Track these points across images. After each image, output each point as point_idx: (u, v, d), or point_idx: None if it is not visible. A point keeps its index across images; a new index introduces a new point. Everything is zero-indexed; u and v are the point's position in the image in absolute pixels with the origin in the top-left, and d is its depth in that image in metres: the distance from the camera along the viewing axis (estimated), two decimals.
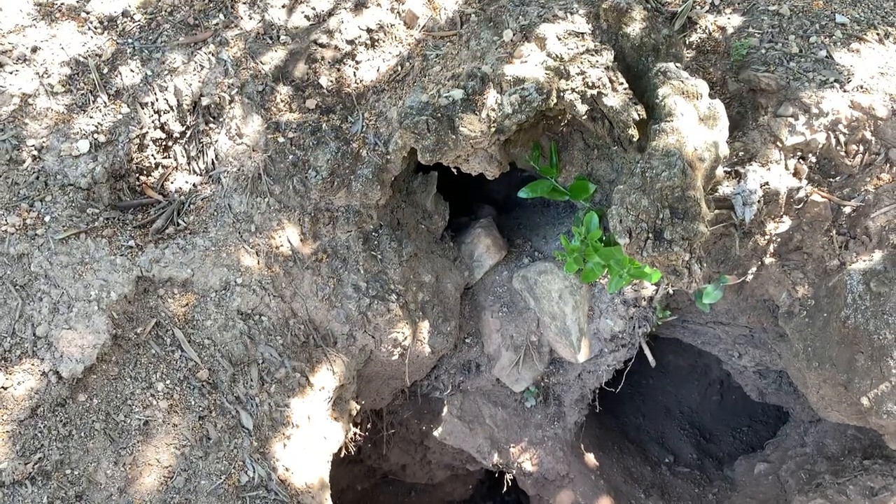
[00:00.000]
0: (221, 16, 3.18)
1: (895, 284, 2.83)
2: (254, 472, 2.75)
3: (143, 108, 2.99)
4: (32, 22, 3.05)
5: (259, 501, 2.73)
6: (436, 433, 3.75)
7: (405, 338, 3.29)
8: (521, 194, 3.39)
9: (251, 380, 2.87)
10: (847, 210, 3.08)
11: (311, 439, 3.02)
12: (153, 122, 3.02)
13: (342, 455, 4.17)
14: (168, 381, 2.71)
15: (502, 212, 4.30)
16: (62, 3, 3.11)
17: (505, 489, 4.01)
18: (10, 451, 2.44)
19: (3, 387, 2.49)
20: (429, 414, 3.88)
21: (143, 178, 3.11)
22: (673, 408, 4.84)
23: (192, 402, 2.71)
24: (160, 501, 2.55)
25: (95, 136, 2.87)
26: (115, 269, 2.78)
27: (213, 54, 3.09)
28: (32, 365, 2.54)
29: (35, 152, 2.80)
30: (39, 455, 2.47)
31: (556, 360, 3.78)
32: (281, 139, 3.04)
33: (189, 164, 3.12)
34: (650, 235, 2.52)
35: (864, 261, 2.95)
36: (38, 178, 2.76)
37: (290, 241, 3.06)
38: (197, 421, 2.70)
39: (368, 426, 3.88)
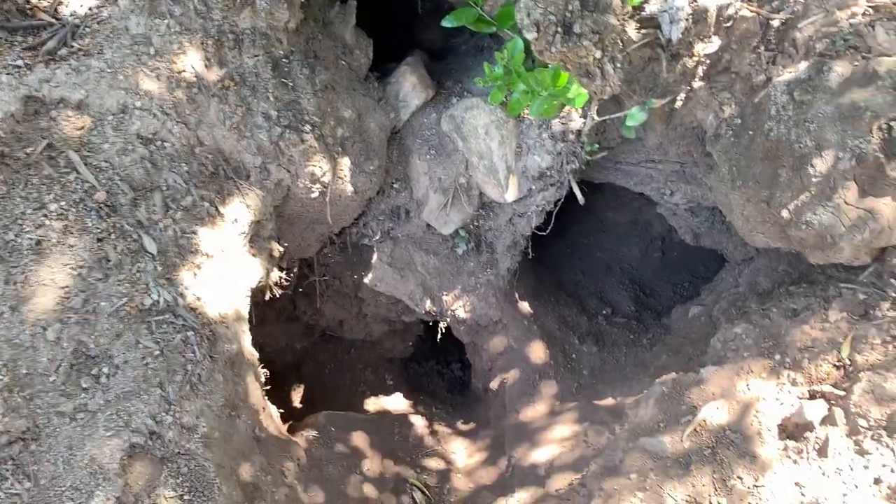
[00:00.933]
0: None
1: (818, 92, 2.75)
2: (159, 296, 2.66)
3: None
4: None
5: (166, 326, 2.65)
6: (366, 280, 3.69)
7: (323, 173, 3.18)
8: (445, 23, 3.22)
9: (154, 205, 2.75)
10: (776, 24, 2.96)
11: (226, 272, 2.93)
12: None
13: (278, 310, 4.13)
14: (62, 203, 2.59)
15: (436, 59, 4.14)
16: None
17: (439, 337, 4.00)
18: None
19: None
20: (360, 264, 3.82)
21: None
22: (613, 265, 4.83)
23: (90, 224, 2.59)
24: (57, 321, 2.47)
25: None
26: (1, 88, 2.61)
27: None
28: None
29: None
30: None
31: (487, 205, 3.71)
32: None
33: None
34: (559, 29, 2.40)
35: (790, 73, 2.85)
36: None
37: (193, 67, 2.89)
38: (95, 242, 2.59)
39: (297, 274, 3.80)
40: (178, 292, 2.72)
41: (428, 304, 3.80)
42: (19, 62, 2.69)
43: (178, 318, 2.69)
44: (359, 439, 3.59)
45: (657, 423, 2.99)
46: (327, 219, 3.34)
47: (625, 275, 4.74)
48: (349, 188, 3.32)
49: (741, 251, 3.78)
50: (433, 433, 3.89)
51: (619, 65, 2.54)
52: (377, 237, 3.67)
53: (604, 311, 4.40)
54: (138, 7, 2.85)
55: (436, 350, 4.65)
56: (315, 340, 4.32)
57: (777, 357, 2.97)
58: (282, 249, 3.39)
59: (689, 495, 2.69)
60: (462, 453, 3.79)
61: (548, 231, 3.68)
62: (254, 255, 3.14)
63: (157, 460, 2.52)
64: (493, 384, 3.83)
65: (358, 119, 3.34)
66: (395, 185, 3.61)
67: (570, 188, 3.55)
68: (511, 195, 3.46)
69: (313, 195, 3.23)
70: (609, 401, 3.51)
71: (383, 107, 3.50)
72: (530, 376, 3.76)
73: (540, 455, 3.40)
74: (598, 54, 2.41)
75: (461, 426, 4.01)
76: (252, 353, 3.08)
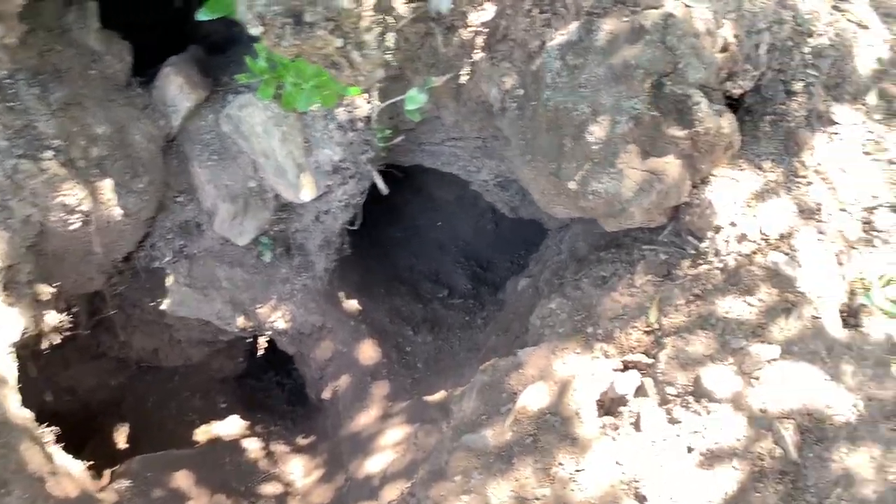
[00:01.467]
0: None
1: (589, 54, 2.62)
2: None
3: None
4: None
5: None
6: (163, 306, 3.35)
7: (79, 201, 2.80)
8: (200, 17, 2.88)
9: None
10: None
11: None
12: None
13: (80, 349, 3.73)
14: None
15: (219, 52, 3.79)
16: None
17: (261, 353, 3.72)
18: None
19: None
20: (157, 289, 3.46)
21: None
22: (448, 243, 4.68)
23: None
24: None
25: None
26: None
27: None
28: None
29: None
30: None
31: (288, 206, 3.43)
32: None
33: None
34: (288, 20, 2.13)
35: (562, 35, 2.71)
36: None
37: None
38: None
39: (89, 311, 3.43)
40: None
41: (241, 321, 3.50)
42: None
43: None
44: (182, 479, 3.29)
45: (480, 417, 2.85)
46: (98, 249, 2.97)
47: (460, 252, 4.60)
48: (117, 211, 2.95)
49: (556, 220, 3.69)
50: (269, 455, 3.64)
51: (372, 51, 2.30)
52: (168, 258, 3.32)
53: (440, 295, 4.24)
54: None
55: (273, 361, 4.37)
56: (131, 374, 3.94)
57: (589, 329, 2.89)
58: (53, 290, 2.99)
59: (514, 490, 2.57)
60: (300, 472, 3.56)
61: (356, 226, 3.45)
62: (11, 304, 2.74)
63: None
64: (326, 394, 3.60)
65: (118, 133, 2.97)
66: (178, 199, 3.26)
67: (373, 180, 3.32)
68: (307, 194, 3.20)
69: (74, 226, 2.85)
70: (441, 394, 3.36)
71: (150, 115, 3.13)
72: (362, 380, 3.55)
73: (374, 465, 3.22)
74: (340, 43, 2.17)
75: (301, 441, 3.77)
76: (23, 416, 2.70)
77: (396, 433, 3.29)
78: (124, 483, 3.16)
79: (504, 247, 4.65)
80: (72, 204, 2.77)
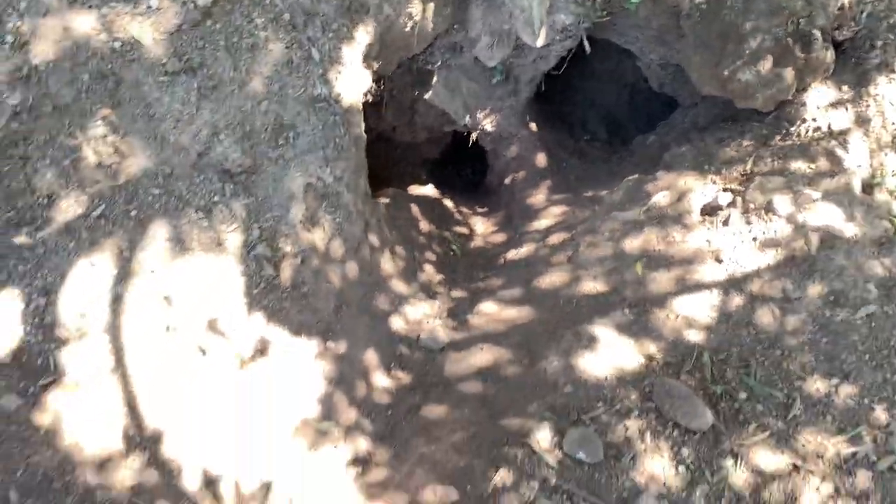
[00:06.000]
0: None
1: None
2: (320, 90, 4.02)
3: None
4: None
5: (324, 110, 4.03)
6: (426, 96, 5.09)
7: (417, 13, 4.47)
8: None
9: (317, 26, 4.03)
10: None
11: (352, 77, 4.28)
12: None
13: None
14: (263, 19, 3.85)
15: None
16: None
17: (470, 144, 5.49)
18: (168, 52, 3.60)
19: (157, 7, 3.58)
20: (420, 84, 5.18)
21: None
22: (596, 102, 6.34)
23: (281, 36, 3.88)
24: (264, 95, 3.82)
25: None
26: None
27: None
28: None
29: None
30: (187, 58, 3.64)
31: (520, 47, 5.08)
32: None
33: None
34: None
35: None
36: None
37: None
38: (284, 49, 3.89)
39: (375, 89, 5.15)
40: (330, 88, 4.07)
41: (467, 119, 5.24)
42: None
43: (331, 106, 4.06)
44: (414, 209, 5.14)
45: (624, 204, 4.64)
46: (411, 48, 4.67)
47: (602, 110, 6.24)
48: (430, 25, 4.63)
49: (690, 98, 5.33)
50: (459, 212, 5.48)
51: None
52: (438, 64, 5.02)
53: (585, 137, 5.95)
54: None
55: (456, 159, 6.11)
56: (372, 139, 5.71)
57: (706, 167, 4.61)
58: (376, 66, 4.71)
59: (641, 244, 4.35)
60: (480, 226, 5.42)
61: (560, 72, 5.11)
62: (366, 68, 4.47)
63: (320, 195, 3.99)
64: (507, 180, 5.40)
65: None
66: (455, 26, 4.92)
67: (581, 41, 4.95)
68: (541, 42, 4.84)
69: (406, 29, 4.53)
70: (590, 193, 5.15)
71: None
72: (534, 175, 5.33)
73: (539, 224, 5.05)
74: None
75: (478, 209, 5.61)
76: (363, 136, 4.50)
77: (557, 209, 5.11)
78: (385, 200, 5.00)
79: (633, 115, 6.31)
80: (413, 14, 4.44)
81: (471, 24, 4.91)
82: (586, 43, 4.90)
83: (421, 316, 4.35)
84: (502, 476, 3.31)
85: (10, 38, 3.32)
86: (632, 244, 4.34)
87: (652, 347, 3.71)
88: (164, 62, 3.58)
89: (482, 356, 4.04)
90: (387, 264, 4.41)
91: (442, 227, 5.24)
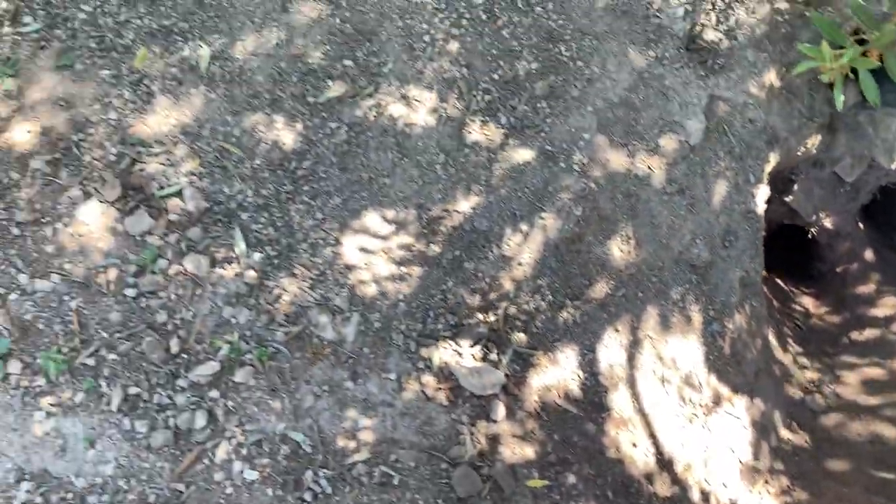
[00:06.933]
0: None
1: None
2: (750, 204, 5.25)
3: None
4: None
5: (750, 219, 5.26)
6: (787, 198, 6.25)
7: (810, 143, 5.66)
8: None
9: (752, 156, 5.28)
10: None
11: (763, 191, 5.49)
12: None
13: None
14: (723, 153, 5.13)
15: None
16: None
17: (807, 237, 6.62)
18: (667, 178, 4.92)
19: (662, 145, 4.92)
20: (776, 187, 6.35)
21: None
22: None
23: (732, 165, 5.15)
24: (721, 210, 5.08)
25: None
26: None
27: None
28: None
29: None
30: (678, 182, 4.96)
31: (871, 166, 6.16)
32: None
33: None
34: None
35: None
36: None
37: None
38: (734, 175, 5.15)
39: None
40: (755, 202, 5.30)
41: (813, 218, 6.36)
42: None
43: (754, 215, 5.29)
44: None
45: None
46: (791, 165, 5.85)
47: None
48: (812, 151, 5.80)
49: None
50: (791, 291, 6.60)
51: None
52: (801, 175, 6.18)
53: None
54: None
55: (781, 244, 7.30)
56: None
57: None
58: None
59: None
60: (811, 306, 6.51)
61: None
62: (767, 183, 5.69)
63: (745, 284, 5.21)
64: (839, 269, 6.48)
65: None
66: (822, 149, 6.07)
67: None
68: (894, 166, 5.92)
69: (797, 153, 5.73)
70: None
71: None
72: (863, 268, 6.39)
73: (877, 312, 6.09)
74: None
75: (804, 290, 6.71)
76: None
77: (891, 299, 6.14)
78: None
79: None
80: (808, 143, 5.62)
81: (836, 147, 6.05)
82: None
83: (804, 381, 5.49)
84: None
85: (576, 168, 4.72)
86: None
87: None
88: (664, 185, 4.91)
89: (862, 425, 5.14)
90: (770, 336, 5.59)
91: (780, 303, 6.36)
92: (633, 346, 4.67)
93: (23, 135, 4.42)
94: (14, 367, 3.86)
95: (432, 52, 4.79)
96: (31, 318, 3.98)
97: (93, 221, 4.22)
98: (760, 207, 5.40)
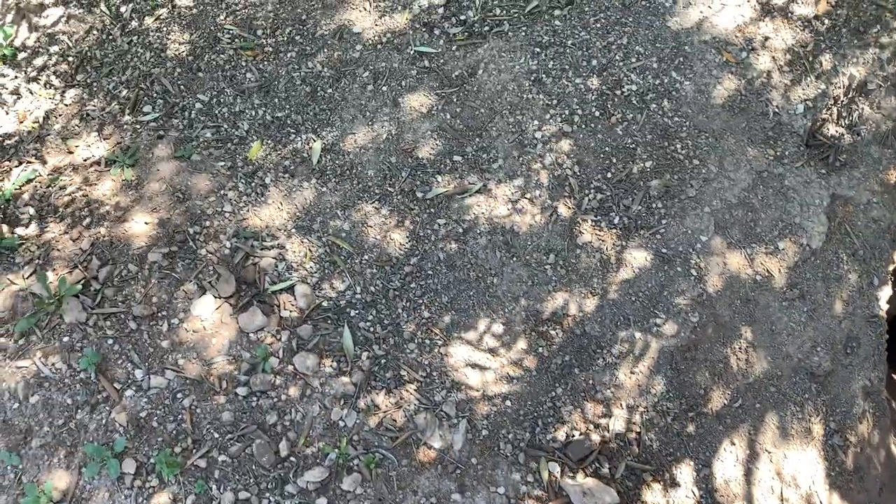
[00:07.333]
0: None
1: None
2: (875, 308, 4.96)
3: None
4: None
5: (874, 324, 4.97)
6: None
7: None
8: None
9: (876, 257, 5.01)
10: None
11: (887, 292, 5.19)
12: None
13: None
14: (844, 253, 4.88)
15: None
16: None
17: None
18: (787, 282, 4.70)
19: (783, 248, 4.70)
20: None
21: None
22: None
23: (855, 267, 4.89)
24: (843, 315, 4.81)
25: None
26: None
27: None
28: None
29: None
30: (799, 287, 4.72)
31: None
32: None
33: None
34: None
35: None
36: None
37: None
38: (857, 278, 4.88)
39: None
40: (879, 305, 5.02)
41: None
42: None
43: (879, 319, 4.99)
44: None
45: None
46: None
47: None
48: None
49: None
50: None
51: None
52: None
53: None
54: None
55: None
56: None
57: None
58: None
59: None
60: None
61: None
62: None
63: (867, 393, 4.90)
64: None
65: None
66: None
67: None
68: None
69: None
70: None
71: None
72: None
73: None
74: None
75: None
76: None
77: None
78: None
79: None
80: None
81: None
82: None
83: None
84: None
85: (693, 272, 4.55)
86: None
87: None
88: (783, 290, 4.68)
89: None
90: (895, 448, 5.23)
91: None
92: (751, 461, 4.42)
93: (140, 226, 4.52)
94: (129, 466, 3.89)
95: (543, 149, 4.72)
96: (145, 415, 4.01)
97: (207, 317, 4.26)
98: (884, 310, 5.10)
